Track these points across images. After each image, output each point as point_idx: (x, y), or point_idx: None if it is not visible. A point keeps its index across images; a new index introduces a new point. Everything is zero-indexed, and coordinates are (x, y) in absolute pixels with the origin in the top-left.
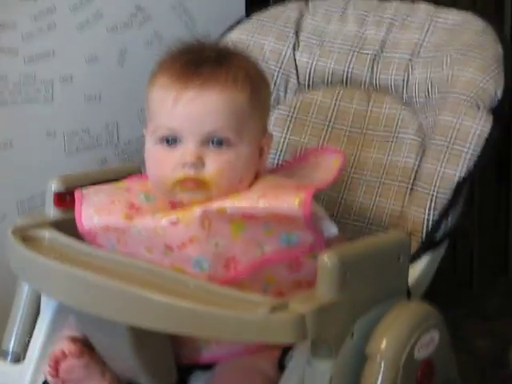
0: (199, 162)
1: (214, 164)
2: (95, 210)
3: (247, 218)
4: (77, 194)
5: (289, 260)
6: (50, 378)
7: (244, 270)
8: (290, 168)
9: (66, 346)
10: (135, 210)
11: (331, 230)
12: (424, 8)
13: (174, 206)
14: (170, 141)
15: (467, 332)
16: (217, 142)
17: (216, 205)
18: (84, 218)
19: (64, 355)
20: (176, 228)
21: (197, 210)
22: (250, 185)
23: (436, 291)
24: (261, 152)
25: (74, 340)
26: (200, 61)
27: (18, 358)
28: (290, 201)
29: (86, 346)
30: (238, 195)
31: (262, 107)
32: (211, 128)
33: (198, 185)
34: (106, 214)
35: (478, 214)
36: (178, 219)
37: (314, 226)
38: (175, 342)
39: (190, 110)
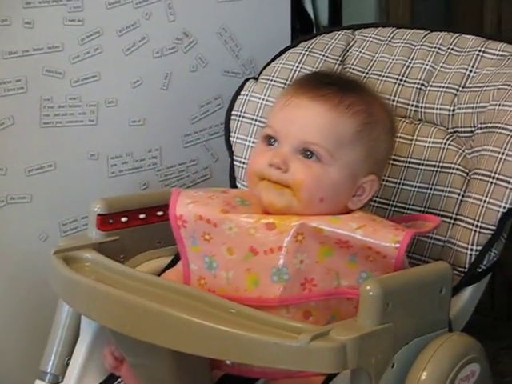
0: (284, 166)
1: (298, 172)
2: (192, 201)
3: (339, 245)
4: (174, 190)
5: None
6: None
7: (318, 295)
8: None
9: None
10: (231, 207)
11: None
12: (472, 39)
13: (268, 213)
14: (271, 141)
15: (505, 366)
16: (308, 153)
17: (314, 222)
18: (178, 205)
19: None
20: (270, 232)
21: (295, 221)
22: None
23: (473, 325)
24: (357, 190)
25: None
26: (325, 82)
27: (57, 379)
28: (387, 238)
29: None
30: (336, 219)
31: (372, 147)
32: (306, 138)
33: (279, 187)
34: (203, 205)
35: None
36: (275, 224)
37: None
38: None
39: (293, 115)
